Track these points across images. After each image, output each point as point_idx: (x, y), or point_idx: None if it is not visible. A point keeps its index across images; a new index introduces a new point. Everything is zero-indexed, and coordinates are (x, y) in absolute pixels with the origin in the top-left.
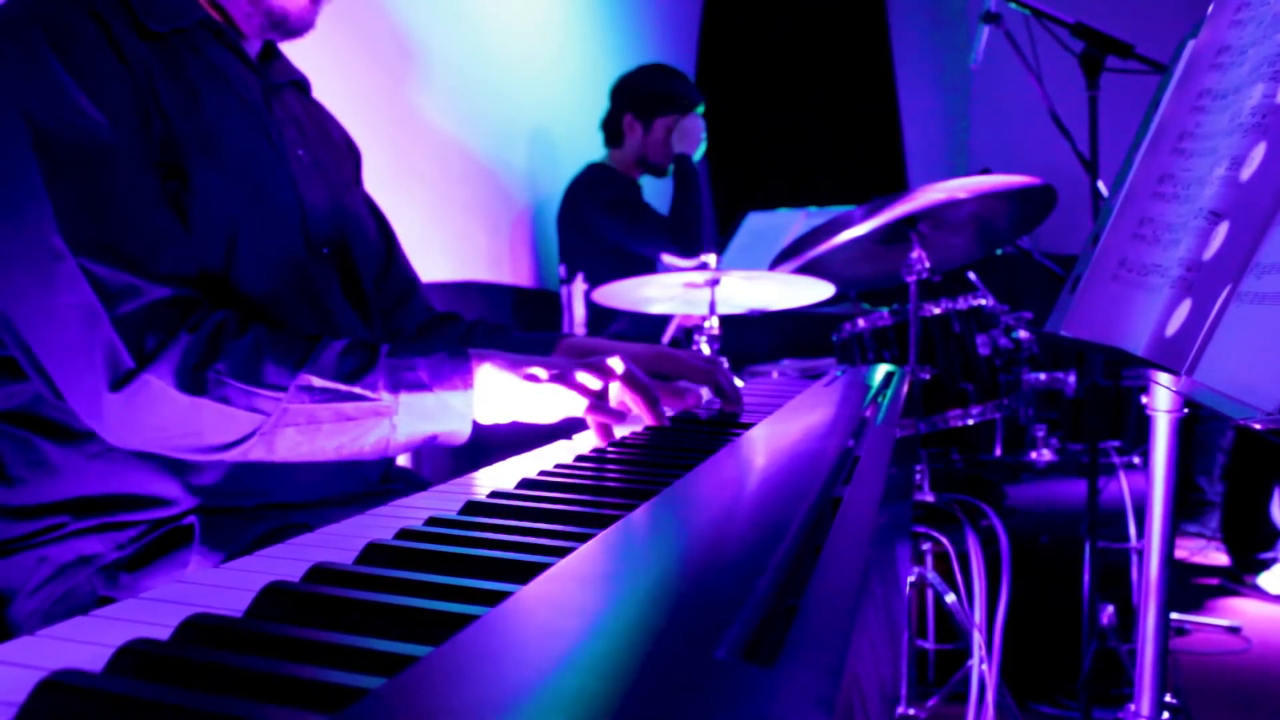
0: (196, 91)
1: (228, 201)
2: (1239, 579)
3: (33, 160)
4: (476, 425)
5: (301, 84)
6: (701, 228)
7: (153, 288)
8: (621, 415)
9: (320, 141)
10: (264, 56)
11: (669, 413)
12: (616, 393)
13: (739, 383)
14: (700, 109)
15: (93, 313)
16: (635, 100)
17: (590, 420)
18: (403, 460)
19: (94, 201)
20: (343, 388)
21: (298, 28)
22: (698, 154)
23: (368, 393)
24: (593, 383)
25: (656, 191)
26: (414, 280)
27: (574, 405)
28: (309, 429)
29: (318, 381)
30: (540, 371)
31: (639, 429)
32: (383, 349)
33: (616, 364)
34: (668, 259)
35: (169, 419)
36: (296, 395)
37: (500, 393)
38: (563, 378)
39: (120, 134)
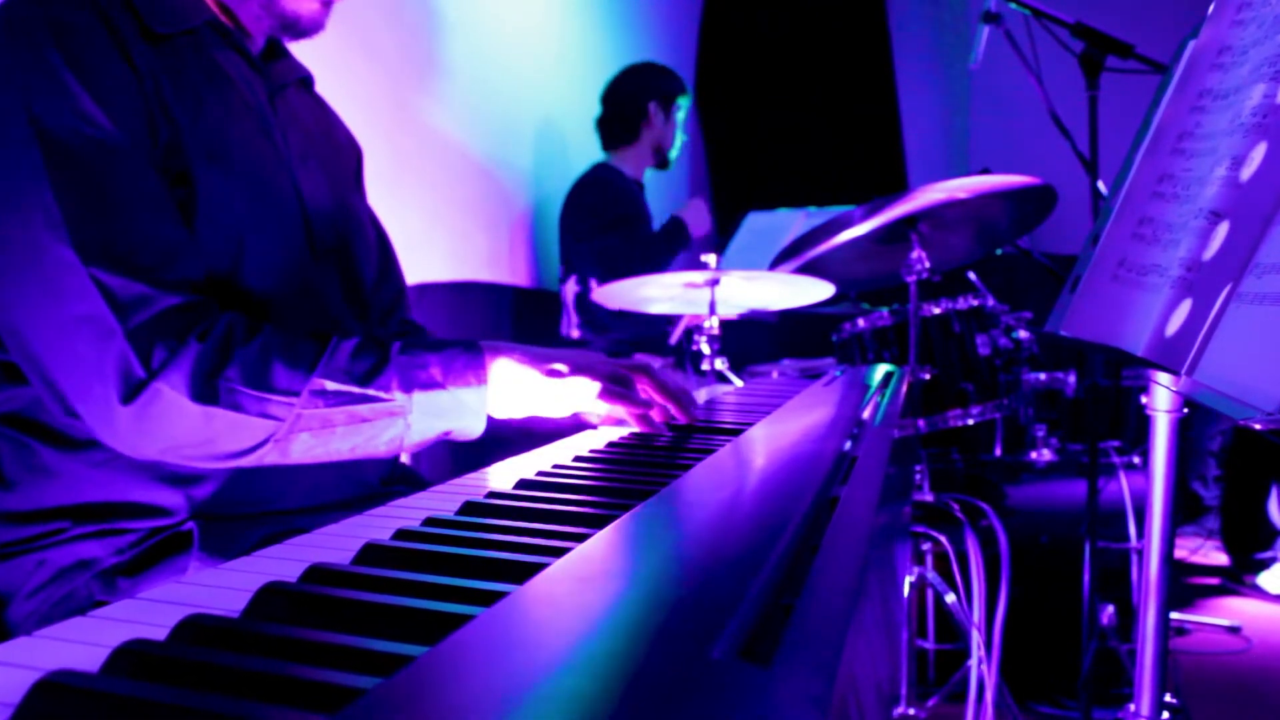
0: (201, 95)
1: (233, 205)
2: (1239, 579)
3: (40, 167)
4: (489, 421)
5: (305, 80)
6: (671, 258)
7: (164, 296)
8: (645, 405)
9: (323, 141)
10: (268, 55)
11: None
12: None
13: (738, 383)
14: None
15: (104, 324)
16: (656, 88)
17: (610, 410)
18: (403, 458)
19: (103, 209)
20: (356, 390)
21: (308, 29)
22: (674, 151)
23: (381, 394)
24: (619, 377)
25: (658, 189)
26: (404, 290)
27: (588, 401)
28: (323, 433)
29: (330, 385)
30: (562, 366)
31: (638, 429)
32: (393, 348)
33: (643, 368)
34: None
35: (182, 429)
36: (310, 400)
37: (515, 387)
38: (590, 370)
39: (128, 139)
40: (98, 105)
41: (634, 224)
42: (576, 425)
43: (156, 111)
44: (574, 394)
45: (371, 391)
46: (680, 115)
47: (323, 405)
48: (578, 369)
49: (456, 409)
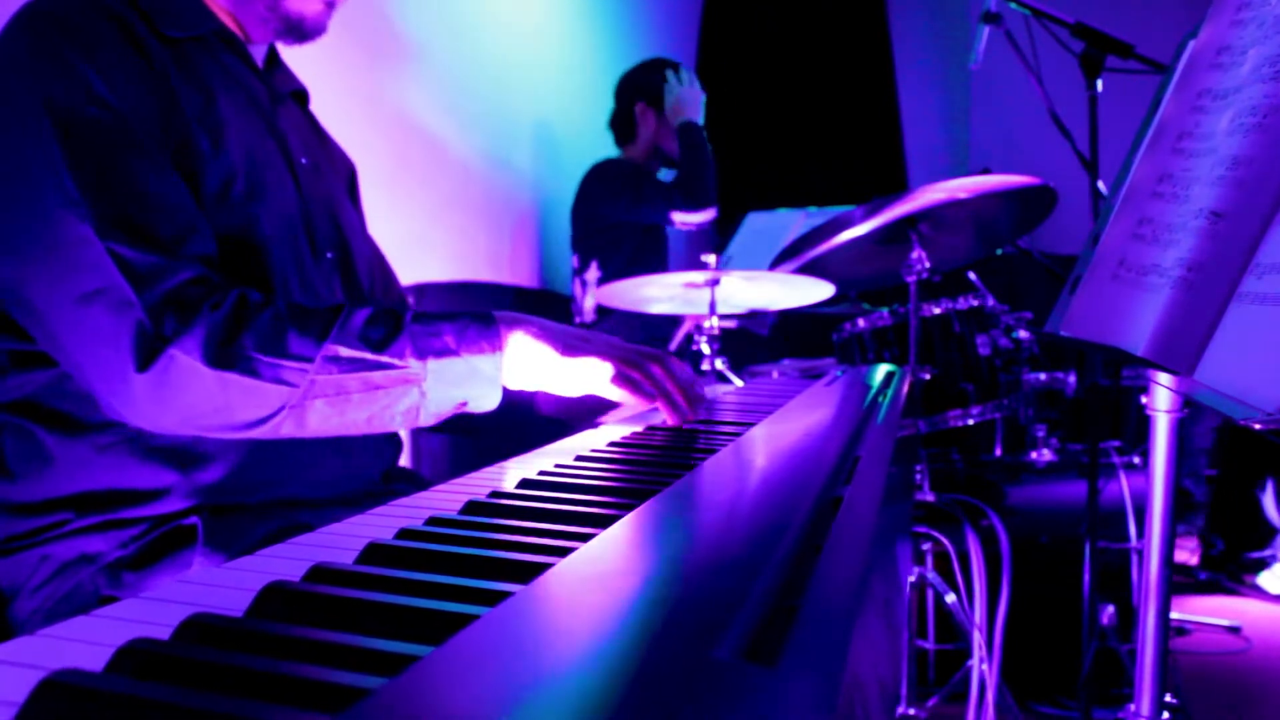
0: (210, 93)
1: (239, 200)
2: (1238, 578)
3: (56, 149)
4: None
5: (302, 95)
6: (709, 180)
7: (179, 269)
8: (654, 395)
9: (320, 151)
10: (267, 65)
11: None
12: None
13: (738, 383)
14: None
15: (120, 296)
16: (645, 88)
17: (621, 396)
18: (403, 460)
19: (119, 188)
20: (369, 356)
21: (312, 31)
22: (700, 117)
23: (395, 360)
24: (633, 361)
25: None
26: (404, 299)
27: (600, 384)
28: (338, 400)
29: (344, 351)
30: (578, 345)
31: (640, 429)
32: (406, 316)
33: (660, 359)
34: (678, 218)
35: (198, 396)
36: (324, 366)
37: (530, 360)
38: (604, 352)
39: (142, 125)
40: (112, 93)
41: (640, 182)
42: (595, 407)
43: (169, 104)
44: (587, 375)
45: (385, 358)
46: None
47: (336, 371)
48: (592, 350)
49: (471, 377)
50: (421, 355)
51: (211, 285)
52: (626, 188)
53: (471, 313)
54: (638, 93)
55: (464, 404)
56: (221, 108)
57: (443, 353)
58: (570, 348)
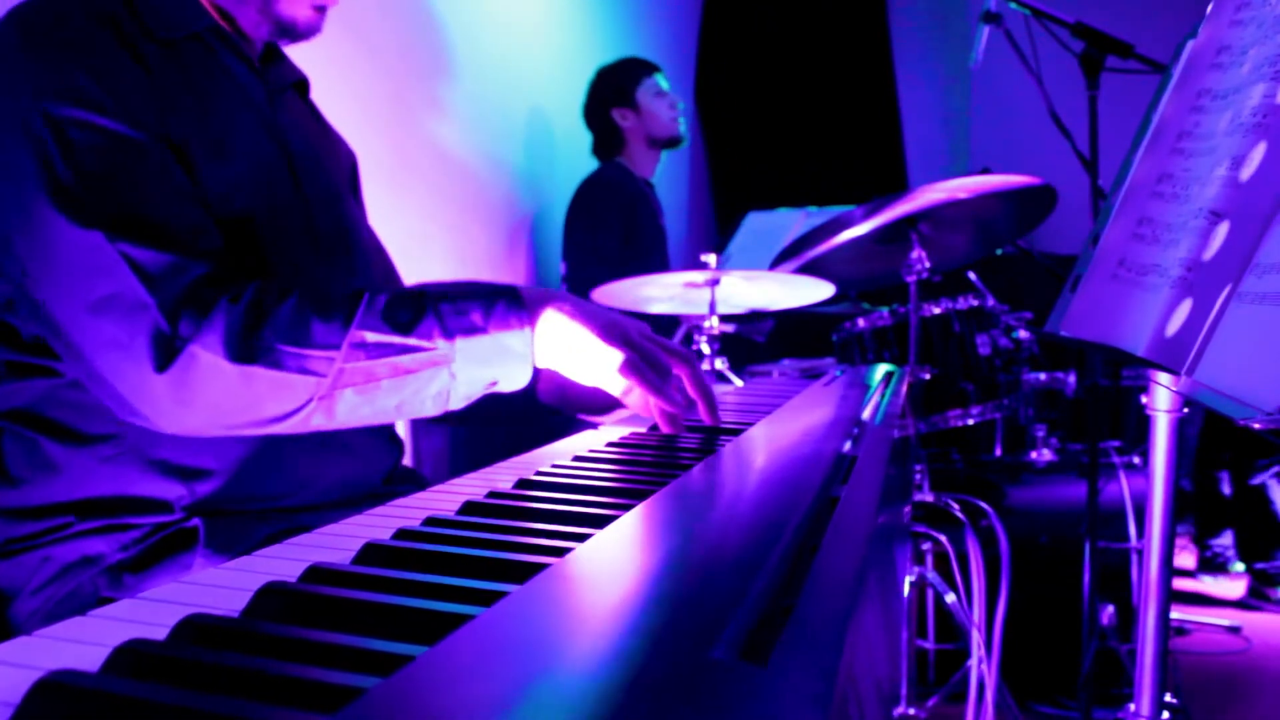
0: (206, 95)
1: (238, 201)
2: (1262, 594)
3: (57, 159)
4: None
5: (302, 85)
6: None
7: (194, 265)
8: (662, 392)
9: (320, 143)
10: (265, 58)
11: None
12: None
13: (738, 382)
14: (660, 77)
15: (135, 298)
16: (607, 94)
17: (623, 388)
18: (404, 461)
19: (124, 191)
20: (397, 340)
21: (304, 33)
22: (681, 127)
23: (423, 343)
24: (652, 357)
25: (661, 188)
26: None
27: (607, 375)
28: (368, 388)
29: (371, 336)
30: (612, 334)
31: (642, 430)
32: (430, 297)
33: (688, 358)
34: None
35: (222, 394)
36: (351, 353)
37: (560, 339)
38: (622, 340)
39: (145, 133)
40: (109, 97)
41: (623, 236)
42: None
43: (166, 107)
44: (598, 363)
45: (413, 341)
46: (653, 95)
47: (364, 358)
48: (610, 337)
49: (501, 354)
50: (449, 335)
51: (227, 279)
52: (611, 233)
53: (497, 287)
54: (604, 103)
55: (494, 384)
56: (218, 111)
57: (471, 331)
58: (609, 332)
